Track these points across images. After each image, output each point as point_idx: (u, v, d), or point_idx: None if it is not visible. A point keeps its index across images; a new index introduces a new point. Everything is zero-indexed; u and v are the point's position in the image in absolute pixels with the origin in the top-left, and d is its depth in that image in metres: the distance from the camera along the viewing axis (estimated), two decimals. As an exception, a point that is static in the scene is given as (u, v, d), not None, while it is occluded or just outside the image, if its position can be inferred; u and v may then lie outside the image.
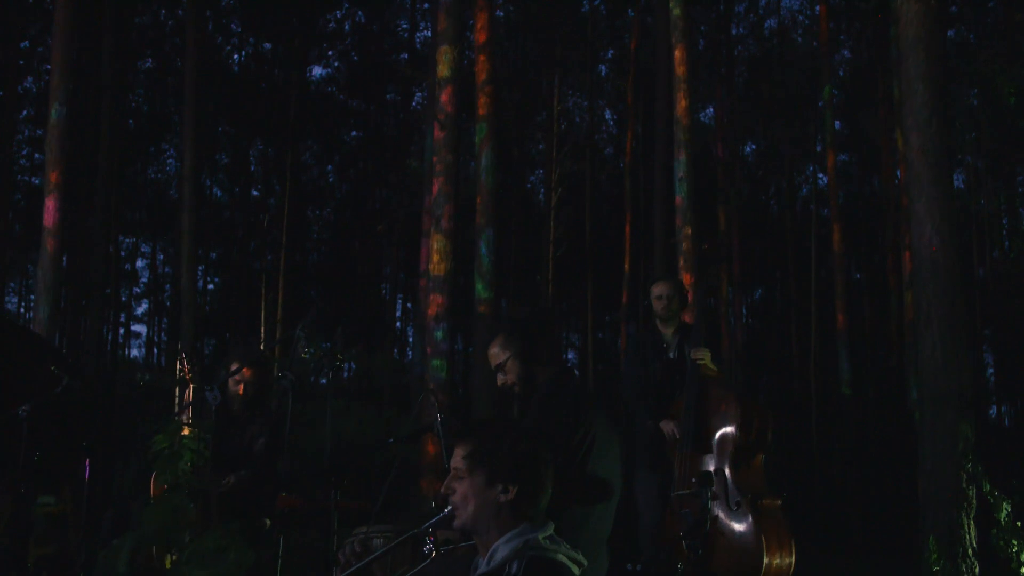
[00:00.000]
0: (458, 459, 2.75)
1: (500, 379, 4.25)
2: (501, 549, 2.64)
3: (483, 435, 2.78)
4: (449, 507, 2.77)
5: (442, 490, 2.78)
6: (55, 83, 9.80)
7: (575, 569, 2.68)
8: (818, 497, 19.34)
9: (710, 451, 5.72)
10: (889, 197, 23.51)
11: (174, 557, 4.85)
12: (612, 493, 4.10)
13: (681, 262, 9.80)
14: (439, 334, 9.46)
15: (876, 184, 32.79)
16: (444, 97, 9.81)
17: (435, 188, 9.78)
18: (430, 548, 3.16)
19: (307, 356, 4.66)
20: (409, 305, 36.11)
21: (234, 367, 5.91)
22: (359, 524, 4.40)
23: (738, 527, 5.42)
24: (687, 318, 6.87)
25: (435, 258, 9.56)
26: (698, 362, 5.91)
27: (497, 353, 4.22)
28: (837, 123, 25.70)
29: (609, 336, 35.60)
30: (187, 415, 5.35)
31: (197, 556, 4.61)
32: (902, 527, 16.42)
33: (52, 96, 9.74)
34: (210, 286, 34.96)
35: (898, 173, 23.99)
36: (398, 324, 36.06)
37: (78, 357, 18.05)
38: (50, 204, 9.65)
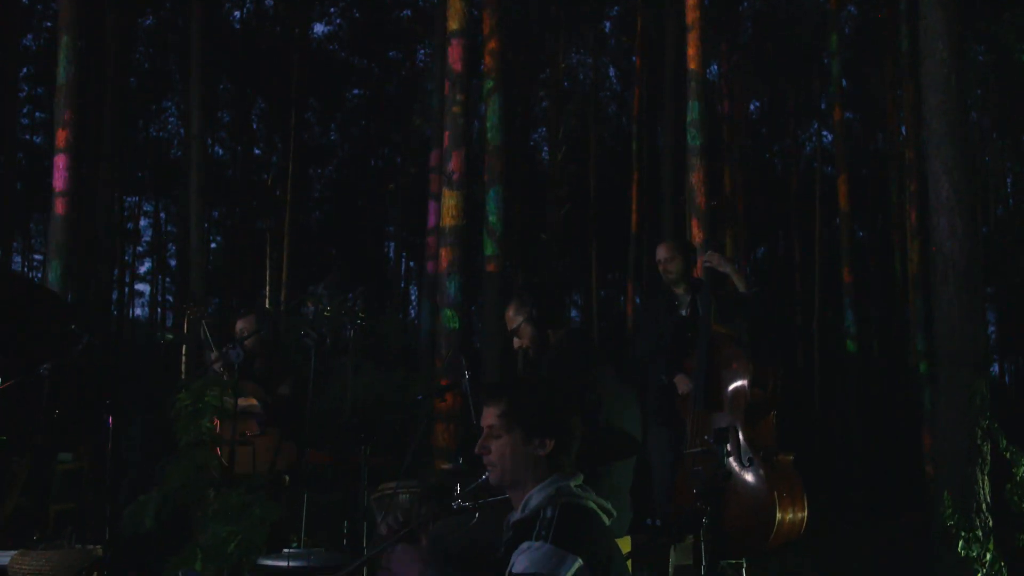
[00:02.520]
0: (492, 418, 2.80)
1: (516, 343, 4.34)
2: (535, 497, 2.71)
3: (516, 393, 2.84)
4: (487, 474, 2.83)
5: (477, 449, 2.83)
6: (64, 41, 9.74)
7: (604, 518, 2.75)
8: (823, 454, 19.48)
9: (722, 408, 5.76)
10: (894, 154, 23.47)
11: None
12: (632, 448, 4.18)
13: (694, 219, 9.79)
14: (452, 287, 9.48)
15: (880, 141, 32.68)
16: (453, 52, 9.78)
17: (445, 142, 9.79)
18: (459, 504, 3.22)
19: (328, 315, 4.70)
20: (412, 264, 36.14)
21: (239, 325, 6.00)
22: (385, 480, 4.47)
23: (751, 483, 5.47)
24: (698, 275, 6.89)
25: (446, 211, 9.58)
26: (707, 264, 5.99)
27: (511, 318, 4.31)
28: (843, 82, 25.53)
29: (612, 294, 35.65)
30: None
31: (222, 511, 4.67)
32: (907, 483, 16.59)
33: (61, 54, 9.68)
34: (212, 245, 34.93)
35: (903, 130, 23.94)
36: (402, 283, 36.11)
37: (94, 316, 18.13)
38: (60, 163, 9.62)
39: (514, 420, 2.76)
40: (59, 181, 9.61)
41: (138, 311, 38.16)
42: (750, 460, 5.48)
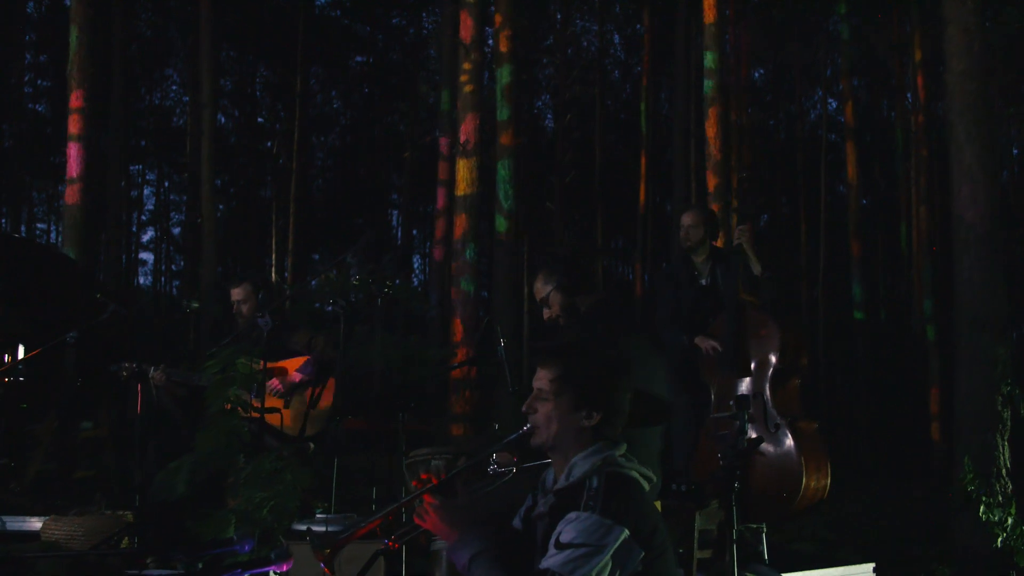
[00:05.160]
0: (544, 380, 2.82)
1: (546, 313, 4.36)
2: (579, 464, 2.74)
3: (572, 360, 2.85)
4: (527, 425, 2.86)
5: (524, 408, 2.87)
6: (75, 7, 9.69)
7: (646, 485, 2.80)
8: (829, 420, 19.52)
9: (748, 374, 5.80)
10: (901, 120, 23.35)
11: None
12: (663, 413, 4.22)
13: (711, 188, 9.77)
14: (468, 254, 9.48)
15: (885, 107, 32.53)
16: (467, 21, 9.76)
17: (460, 112, 9.80)
18: (494, 469, 3.25)
19: (358, 282, 4.72)
20: (415, 232, 36.11)
21: (235, 295, 6.05)
22: (417, 446, 4.51)
23: (778, 449, 5.52)
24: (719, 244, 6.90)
25: (460, 179, 9.58)
26: (737, 240, 6.01)
27: (540, 288, 4.33)
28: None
29: (616, 263, 35.67)
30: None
31: (254, 477, 4.71)
32: (915, 449, 16.69)
33: (72, 21, 9.62)
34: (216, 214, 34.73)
35: (908, 96, 23.80)
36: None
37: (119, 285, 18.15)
38: (73, 127, 9.57)
39: (565, 387, 2.79)
40: (73, 151, 9.56)
41: (141, 280, 38.21)
42: (776, 426, 5.53)
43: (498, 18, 11.02)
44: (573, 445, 2.78)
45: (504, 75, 10.59)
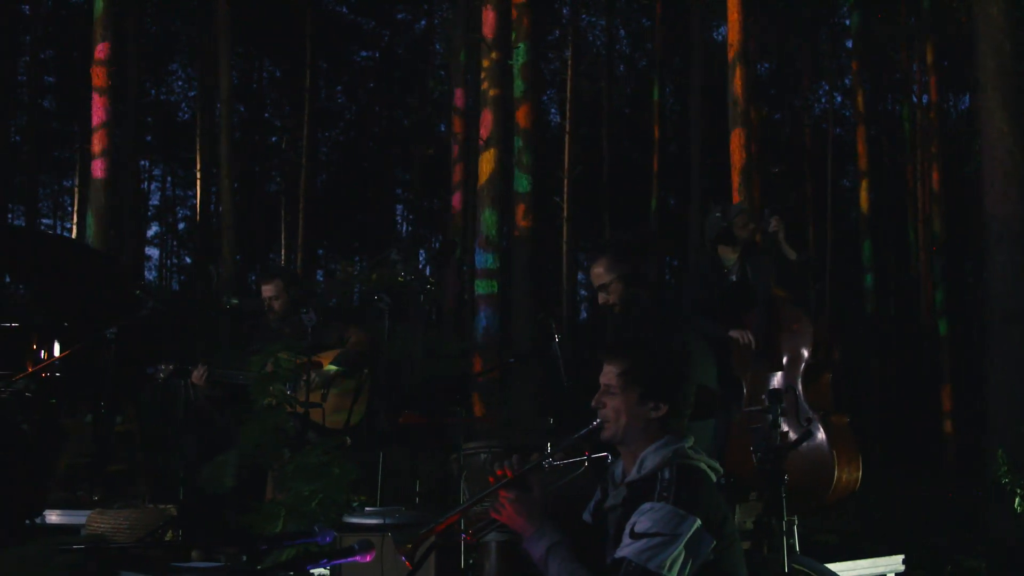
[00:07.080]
0: (611, 376, 2.90)
1: (601, 298, 4.43)
2: (650, 457, 2.82)
3: (637, 354, 2.93)
4: (598, 420, 2.93)
5: (592, 403, 2.94)
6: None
7: (713, 476, 2.87)
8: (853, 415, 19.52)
9: (780, 369, 5.85)
10: (909, 114, 23.37)
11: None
12: (714, 406, 4.29)
13: (736, 184, 9.79)
14: (489, 251, 9.54)
15: (890, 100, 32.45)
16: (489, 16, 9.80)
17: (484, 111, 9.85)
18: (549, 463, 3.31)
19: (403, 280, 4.78)
20: (420, 227, 36.08)
21: (266, 292, 6.08)
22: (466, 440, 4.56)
23: (810, 443, 5.58)
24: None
25: (483, 176, 9.63)
26: (771, 231, 6.04)
27: (601, 274, 4.39)
28: (848, 43, 25.30)
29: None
30: None
31: (301, 471, 4.78)
32: (926, 442, 16.74)
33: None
34: (220, 208, 34.64)
35: (915, 88, 23.83)
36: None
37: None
38: (97, 110, 9.59)
39: (632, 381, 2.86)
40: (97, 145, 9.59)
41: (147, 275, 38.14)
42: (808, 420, 5.58)
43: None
44: (642, 438, 2.85)
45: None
